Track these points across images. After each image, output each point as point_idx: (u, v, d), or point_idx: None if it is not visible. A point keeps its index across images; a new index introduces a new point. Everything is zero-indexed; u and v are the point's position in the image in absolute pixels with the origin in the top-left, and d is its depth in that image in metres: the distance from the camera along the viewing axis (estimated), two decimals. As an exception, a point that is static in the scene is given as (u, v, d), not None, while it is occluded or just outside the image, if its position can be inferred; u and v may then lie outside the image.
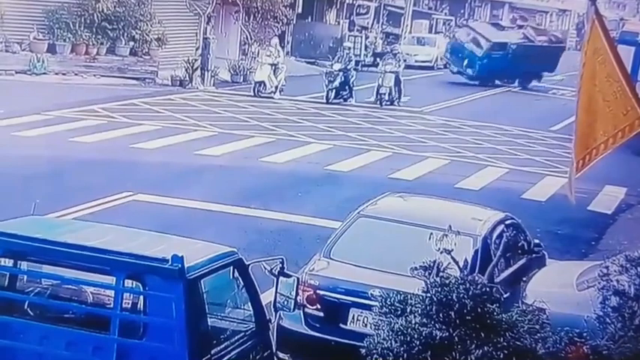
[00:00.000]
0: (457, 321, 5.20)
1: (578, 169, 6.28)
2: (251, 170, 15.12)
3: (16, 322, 5.26)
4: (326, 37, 32.96)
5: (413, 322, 5.24)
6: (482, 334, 5.20)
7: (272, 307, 5.87)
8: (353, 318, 7.26)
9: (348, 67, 24.05)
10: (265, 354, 5.85)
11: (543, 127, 22.24)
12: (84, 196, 11.84)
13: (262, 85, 23.37)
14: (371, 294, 6.91)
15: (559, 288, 7.54)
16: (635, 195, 15.82)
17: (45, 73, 22.76)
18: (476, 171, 16.69)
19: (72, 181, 12.94)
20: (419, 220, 7.67)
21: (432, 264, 5.59)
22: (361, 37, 33.21)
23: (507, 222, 8.42)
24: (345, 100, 23.69)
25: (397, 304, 5.50)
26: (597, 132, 6.18)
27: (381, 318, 5.54)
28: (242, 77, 25.48)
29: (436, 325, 5.21)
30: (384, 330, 5.34)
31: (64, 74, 23.07)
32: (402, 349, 5.16)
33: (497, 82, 31.58)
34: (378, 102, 23.78)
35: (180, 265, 5.06)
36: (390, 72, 23.87)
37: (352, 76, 24.14)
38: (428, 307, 5.28)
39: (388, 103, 23.81)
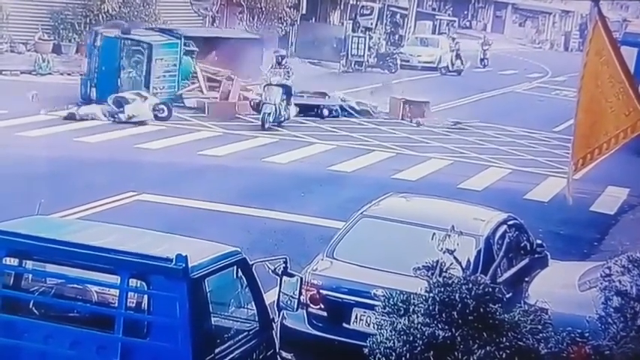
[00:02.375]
0: (459, 321, 5.22)
1: (578, 168, 6.31)
2: (254, 170, 15.15)
3: (21, 321, 5.29)
4: (330, 37, 32.98)
5: (415, 321, 5.26)
6: (485, 334, 5.23)
7: (275, 306, 5.90)
8: (356, 318, 7.28)
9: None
10: (268, 353, 5.87)
11: (546, 128, 22.25)
12: (88, 196, 11.87)
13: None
14: (374, 294, 6.94)
15: (561, 288, 7.55)
16: (637, 196, 15.81)
17: (50, 74, 22.82)
18: (479, 171, 16.70)
19: (76, 181, 12.98)
20: (422, 220, 7.69)
21: (434, 264, 5.61)
22: (365, 37, 33.21)
23: (510, 222, 8.44)
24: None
25: (400, 304, 5.52)
26: (599, 132, 6.20)
27: (383, 318, 5.57)
28: (247, 77, 25.50)
29: (439, 325, 5.23)
30: (386, 330, 5.37)
31: (69, 74, 23.12)
32: (404, 348, 5.18)
33: None
34: (260, 125, 18.58)
35: (184, 265, 5.08)
36: (276, 85, 18.84)
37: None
38: (430, 307, 5.30)
39: (275, 124, 18.78)
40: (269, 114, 18.55)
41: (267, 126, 18.51)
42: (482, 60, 39.46)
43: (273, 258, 5.90)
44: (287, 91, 19.06)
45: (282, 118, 18.95)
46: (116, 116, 17.72)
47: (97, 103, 18.37)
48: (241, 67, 21.57)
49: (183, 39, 20.53)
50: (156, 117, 18.11)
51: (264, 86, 18.95)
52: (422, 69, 35.15)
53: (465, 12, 56.64)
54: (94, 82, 19.36)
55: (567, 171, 6.62)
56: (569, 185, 6.48)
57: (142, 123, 17.72)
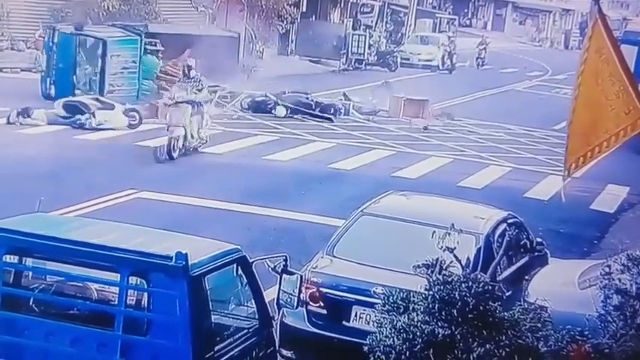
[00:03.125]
0: (459, 319, 5.22)
1: (578, 165, 6.33)
2: (254, 168, 15.14)
3: (22, 319, 5.29)
4: (330, 35, 32.99)
5: (415, 319, 5.26)
6: (484, 332, 5.23)
7: (275, 304, 5.90)
8: (356, 315, 7.28)
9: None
10: (268, 351, 5.87)
11: (546, 126, 22.23)
12: (88, 194, 11.87)
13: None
14: (374, 292, 6.94)
15: (561, 286, 7.55)
16: (637, 194, 15.80)
17: (49, 71, 22.76)
18: (479, 170, 16.69)
19: (76, 179, 12.98)
20: (422, 218, 7.68)
21: (434, 262, 5.60)
22: (365, 35, 33.21)
23: (510, 220, 8.44)
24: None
25: (400, 302, 5.52)
26: (599, 130, 6.22)
27: (383, 315, 5.56)
28: (247, 75, 25.54)
29: (438, 323, 5.23)
30: (386, 328, 5.37)
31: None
32: (404, 346, 5.18)
33: None
34: (166, 154, 14.70)
35: (184, 263, 5.09)
36: (182, 102, 14.92)
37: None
38: (430, 305, 5.30)
39: (185, 151, 15.01)
40: (175, 138, 14.72)
41: (175, 155, 14.66)
42: (477, 59, 38.74)
43: (273, 256, 5.90)
44: (198, 110, 15.14)
45: (196, 143, 15.24)
46: (86, 122, 16.58)
47: (55, 101, 17.47)
48: (216, 67, 20.71)
49: (143, 35, 19.67)
50: (129, 125, 17.06)
51: (169, 105, 15.21)
52: (422, 67, 35.13)
53: (465, 10, 56.64)
54: (52, 80, 18.85)
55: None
56: (565, 184, 6.50)
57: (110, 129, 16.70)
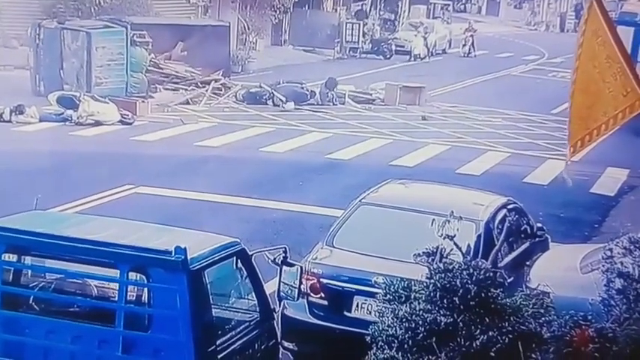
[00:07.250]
0: (461, 306, 5.20)
1: (576, 149, 6.31)
2: (252, 160, 15.11)
3: (22, 317, 5.27)
4: (323, 24, 32.87)
5: (417, 308, 5.24)
6: (487, 319, 5.21)
7: (276, 296, 5.89)
8: (357, 306, 7.26)
9: None
10: (270, 343, 5.86)
11: (544, 110, 22.19)
12: (86, 190, 11.84)
13: None
14: (374, 281, 6.91)
15: (563, 271, 7.53)
16: (637, 176, 15.78)
17: (43, 68, 22.63)
18: (477, 156, 16.67)
19: (73, 175, 12.94)
20: (421, 206, 7.66)
21: (435, 250, 5.58)
22: (359, 24, 33.08)
23: (509, 206, 8.41)
24: None
25: (401, 291, 5.50)
26: (597, 113, 6.19)
27: (385, 305, 5.54)
28: (240, 67, 25.46)
29: (440, 311, 5.21)
30: (388, 317, 5.35)
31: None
32: (406, 335, 5.17)
33: None
34: None
35: (183, 257, 5.07)
36: None
37: None
38: (432, 294, 5.28)
39: None
40: None
41: None
42: (464, 46, 35.78)
43: (272, 248, 5.89)
44: None
45: None
46: (78, 118, 16.42)
47: (45, 97, 17.40)
48: (208, 57, 20.46)
49: (129, 27, 19.30)
50: (122, 122, 16.96)
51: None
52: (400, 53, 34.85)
53: (460, -5, 56.44)
54: (41, 76, 18.79)
55: (566, 153, 6.61)
56: (565, 168, 6.48)
57: (98, 123, 16.54)
